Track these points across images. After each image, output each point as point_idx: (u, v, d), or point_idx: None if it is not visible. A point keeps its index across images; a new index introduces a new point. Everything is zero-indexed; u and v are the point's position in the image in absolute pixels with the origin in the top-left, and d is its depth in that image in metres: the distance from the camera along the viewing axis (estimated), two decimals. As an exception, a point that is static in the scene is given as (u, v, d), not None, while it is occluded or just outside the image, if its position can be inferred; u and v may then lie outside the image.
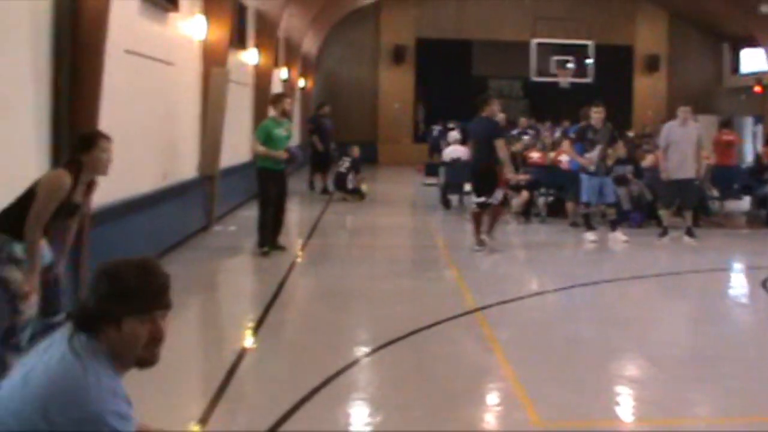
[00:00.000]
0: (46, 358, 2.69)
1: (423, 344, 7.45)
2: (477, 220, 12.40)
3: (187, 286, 9.63)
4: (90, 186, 6.08)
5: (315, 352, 7.27)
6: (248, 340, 7.65)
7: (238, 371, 6.58)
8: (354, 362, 6.80)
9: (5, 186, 6.72)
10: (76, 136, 6.24)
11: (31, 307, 5.74)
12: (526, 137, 19.29)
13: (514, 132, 20.24)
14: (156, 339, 2.79)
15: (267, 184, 11.74)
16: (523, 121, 23.34)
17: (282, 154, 11.57)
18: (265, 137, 11.51)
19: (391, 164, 30.13)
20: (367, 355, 7.03)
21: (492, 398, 6.16)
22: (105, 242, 8.33)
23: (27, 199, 5.74)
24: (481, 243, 12.30)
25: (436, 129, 26.52)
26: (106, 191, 8.79)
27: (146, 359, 2.80)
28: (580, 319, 8.73)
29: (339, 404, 5.85)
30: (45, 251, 5.97)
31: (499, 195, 12.26)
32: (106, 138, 5.96)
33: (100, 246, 8.06)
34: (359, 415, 5.74)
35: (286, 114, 11.88)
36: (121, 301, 2.70)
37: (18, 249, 5.70)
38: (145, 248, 9.62)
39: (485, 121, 12.32)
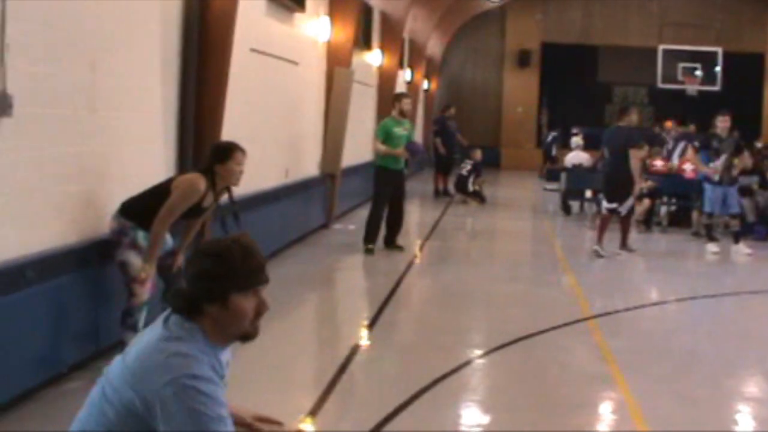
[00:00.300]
0: (145, 337, 2.86)
1: (534, 349, 7.41)
2: (604, 225, 12.38)
3: (305, 282, 9.85)
4: (222, 191, 6.29)
5: (426, 352, 7.31)
6: (362, 337, 7.73)
7: (350, 367, 6.68)
8: (464, 364, 6.80)
9: (135, 177, 7.00)
10: (212, 144, 6.54)
11: (145, 291, 6.02)
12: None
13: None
14: (260, 312, 2.93)
15: (384, 183, 11.85)
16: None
17: (402, 152, 11.66)
18: (385, 136, 11.63)
19: (514, 168, 29.94)
20: (478, 357, 7.03)
21: (601, 407, 6.09)
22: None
23: (159, 194, 6.01)
24: (600, 251, 12.20)
25: (551, 135, 26.25)
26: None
27: (250, 333, 2.94)
28: (698, 331, 8.55)
29: (447, 405, 5.87)
30: (167, 238, 6.25)
31: (629, 204, 12.30)
32: (241, 151, 6.16)
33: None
34: (466, 416, 5.74)
35: (404, 114, 11.92)
36: (228, 279, 2.83)
37: (141, 237, 5.99)
38: (265, 243, 9.79)
39: (625, 131, 12.28)
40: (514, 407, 5.96)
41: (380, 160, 11.87)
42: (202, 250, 2.93)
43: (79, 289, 5.97)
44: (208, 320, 2.86)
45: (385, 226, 12.05)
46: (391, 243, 12.04)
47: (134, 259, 5.98)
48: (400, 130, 11.72)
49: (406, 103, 11.92)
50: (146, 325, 5.66)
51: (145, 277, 5.95)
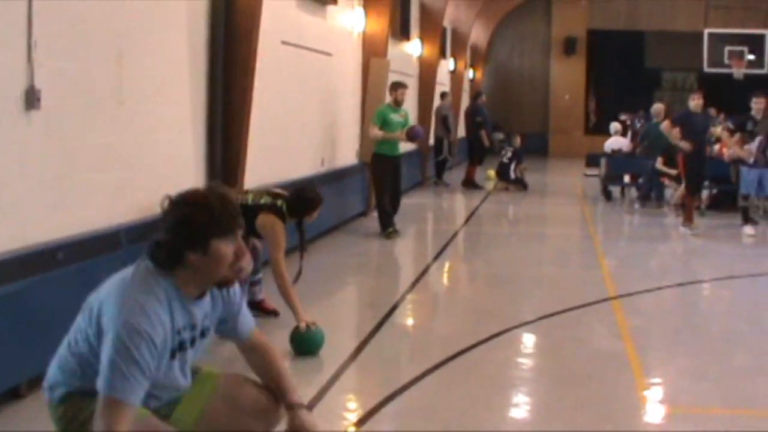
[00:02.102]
0: (121, 275, 3.19)
1: (553, 328, 7.59)
2: (690, 204, 13.14)
3: (341, 267, 10.16)
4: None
5: (445, 331, 7.58)
6: (384, 316, 7.92)
7: (372, 340, 7.00)
8: (482, 341, 6.98)
9: (166, 163, 7.34)
10: (300, 193, 7.05)
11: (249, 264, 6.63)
12: None
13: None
14: (239, 256, 3.15)
15: (381, 169, 12.20)
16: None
17: (399, 135, 12.01)
18: (381, 122, 12.01)
19: (562, 156, 29.91)
20: (496, 335, 7.21)
21: (608, 380, 6.25)
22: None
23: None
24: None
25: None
26: (267, 174, 9.37)
27: (230, 278, 3.19)
28: (719, 311, 8.70)
29: (459, 381, 6.08)
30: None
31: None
32: (322, 204, 7.03)
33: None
34: (476, 392, 5.93)
35: (398, 102, 12.29)
36: (209, 226, 3.05)
37: None
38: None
39: (701, 116, 13.03)
40: (524, 382, 6.18)
41: (377, 147, 12.21)
42: (179, 201, 3.11)
43: (106, 272, 6.27)
44: (188, 269, 3.08)
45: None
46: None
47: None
48: (396, 117, 12.10)
49: (401, 93, 12.30)
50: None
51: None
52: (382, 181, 12.20)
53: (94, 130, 6.25)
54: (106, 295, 3.09)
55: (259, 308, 7.46)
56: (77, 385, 3.19)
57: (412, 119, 12.60)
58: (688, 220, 13.00)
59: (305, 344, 6.45)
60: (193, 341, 3.25)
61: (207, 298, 3.27)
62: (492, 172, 20.20)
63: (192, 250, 3.05)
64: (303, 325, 6.41)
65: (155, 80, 7.20)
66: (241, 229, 3.16)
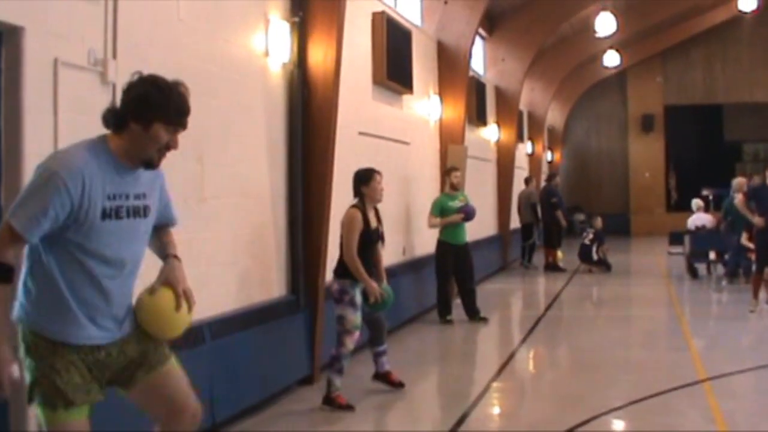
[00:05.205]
0: None
1: (643, 414, 7.39)
2: (757, 284, 12.61)
3: (422, 356, 10.13)
4: (376, 212, 7.80)
5: (533, 419, 7.45)
6: (471, 405, 7.82)
7: (460, 428, 6.88)
8: (570, 429, 6.84)
9: (248, 256, 7.43)
10: (355, 173, 7.86)
11: (352, 342, 7.40)
12: None
13: None
14: (170, 147, 3.65)
15: (441, 256, 12.27)
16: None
17: (456, 218, 11.98)
18: (440, 211, 12.05)
19: (645, 235, 29.52)
20: (584, 422, 7.05)
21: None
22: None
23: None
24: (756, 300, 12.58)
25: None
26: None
27: (154, 160, 3.65)
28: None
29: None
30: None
31: None
32: (378, 173, 7.78)
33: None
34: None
35: (454, 187, 12.28)
36: (159, 108, 3.53)
37: (358, 293, 7.46)
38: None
39: None
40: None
41: (441, 235, 12.24)
42: (147, 79, 3.59)
43: (190, 367, 6.34)
44: (126, 137, 3.57)
45: (461, 302, 12.46)
46: (472, 316, 12.33)
47: (351, 315, 7.40)
48: (454, 204, 12.09)
49: (455, 176, 12.29)
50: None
51: (376, 294, 7.48)
52: (442, 267, 12.29)
53: (176, 228, 6.35)
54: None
55: (386, 380, 8.02)
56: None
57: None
58: (753, 297, 12.58)
59: (383, 306, 7.63)
60: (129, 213, 3.65)
61: (142, 178, 3.72)
62: (561, 254, 19.98)
63: (136, 122, 3.53)
64: (377, 292, 7.48)
65: (235, 177, 7.33)
66: (183, 130, 3.65)
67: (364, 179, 7.70)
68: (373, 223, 7.69)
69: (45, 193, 3.40)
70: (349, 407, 7.47)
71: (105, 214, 3.55)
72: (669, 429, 6.91)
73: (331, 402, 7.49)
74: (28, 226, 3.40)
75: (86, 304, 3.59)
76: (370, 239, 7.63)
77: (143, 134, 3.54)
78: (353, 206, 7.64)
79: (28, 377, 3.58)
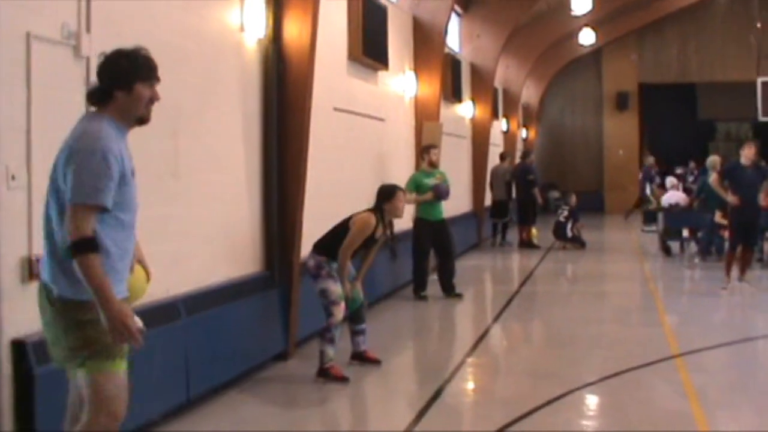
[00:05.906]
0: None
1: (616, 389, 7.46)
2: (729, 262, 12.66)
3: (398, 332, 10.16)
4: (388, 225, 8.06)
5: (506, 394, 7.51)
6: (446, 380, 7.85)
7: (432, 406, 6.90)
8: (543, 404, 6.90)
9: (221, 235, 7.39)
10: (379, 187, 8.20)
11: (341, 312, 7.61)
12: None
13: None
14: (153, 100, 4.09)
15: (421, 234, 12.31)
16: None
17: (427, 196, 12.03)
18: (415, 188, 12.08)
19: (618, 212, 29.66)
20: (558, 398, 7.11)
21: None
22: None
23: (340, 232, 7.71)
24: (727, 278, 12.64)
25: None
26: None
27: (145, 116, 4.10)
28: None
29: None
30: (350, 268, 7.85)
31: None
32: (402, 191, 8.14)
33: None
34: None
35: (433, 164, 12.34)
36: (135, 71, 4.01)
37: (335, 268, 7.65)
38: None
39: (755, 167, 12.57)
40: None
41: (417, 212, 12.34)
42: (114, 54, 4.04)
43: (164, 343, 6.32)
44: (114, 106, 3.99)
45: (438, 277, 12.52)
46: (447, 292, 12.37)
47: (332, 286, 7.60)
48: (429, 181, 12.14)
49: (434, 154, 12.36)
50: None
51: (347, 295, 7.71)
52: (418, 244, 12.33)
53: (150, 203, 6.33)
54: (61, 150, 3.92)
55: (362, 358, 8.15)
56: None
57: (450, 178, 12.53)
58: (726, 274, 12.65)
59: (352, 303, 7.93)
60: (133, 173, 4.08)
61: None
62: (536, 231, 19.99)
63: (119, 89, 3.98)
64: (347, 292, 7.72)
65: (210, 153, 7.30)
66: (158, 82, 4.11)
67: (388, 196, 7.98)
68: (379, 232, 7.91)
69: (107, 167, 3.82)
70: (344, 379, 7.52)
71: (132, 174, 4.05)
72: (642, 403, 6.98)
73: (325, 373, 7.55)
74: (106, 197, 3.82)
75: (124, 258, 4.07)
76: (368, 243, 7.88)
77: (129, 98, 4.01)
78: (372, 211, 7.89)
79: (76, 341, 3.92)
